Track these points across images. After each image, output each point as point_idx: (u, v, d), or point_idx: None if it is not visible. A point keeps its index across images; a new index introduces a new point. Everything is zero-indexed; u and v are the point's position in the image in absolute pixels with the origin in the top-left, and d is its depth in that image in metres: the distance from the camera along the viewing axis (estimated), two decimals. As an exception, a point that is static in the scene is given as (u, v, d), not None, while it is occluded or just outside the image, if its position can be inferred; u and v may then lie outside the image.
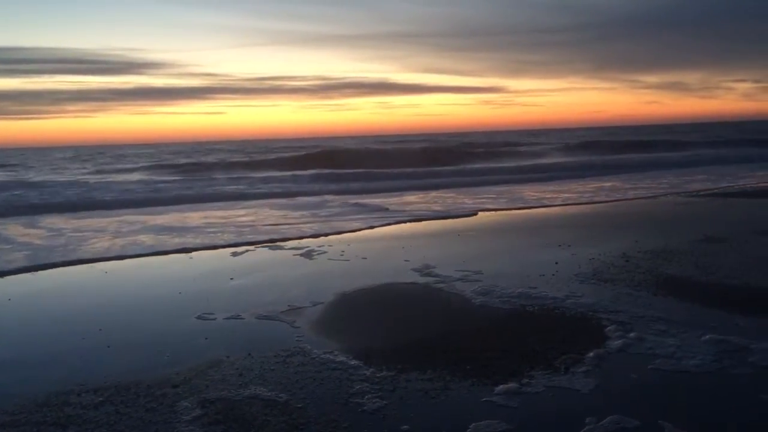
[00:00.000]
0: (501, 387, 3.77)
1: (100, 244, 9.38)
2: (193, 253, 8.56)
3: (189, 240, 9.56)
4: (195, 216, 12.91)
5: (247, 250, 8.65)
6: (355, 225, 10.66)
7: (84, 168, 36.51)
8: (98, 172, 32.30)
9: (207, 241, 9.45)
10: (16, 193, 18.23)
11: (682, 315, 5.01)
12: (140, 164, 36.22)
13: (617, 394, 3.64)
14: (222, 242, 9.31)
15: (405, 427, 3.33)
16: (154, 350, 4.67)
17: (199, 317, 5.46)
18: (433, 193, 16.63)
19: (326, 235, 9.76)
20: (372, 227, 10.42)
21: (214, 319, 5.42)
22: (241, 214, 13.09)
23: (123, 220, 12.50)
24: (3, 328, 5.64)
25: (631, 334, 4.56)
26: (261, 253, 8.50)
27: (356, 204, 14.03)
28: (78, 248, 9.06)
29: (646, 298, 5.53)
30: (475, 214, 11.86)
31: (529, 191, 16.42)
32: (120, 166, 36.42)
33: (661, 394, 3.61)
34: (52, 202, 15.96)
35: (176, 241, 9.51)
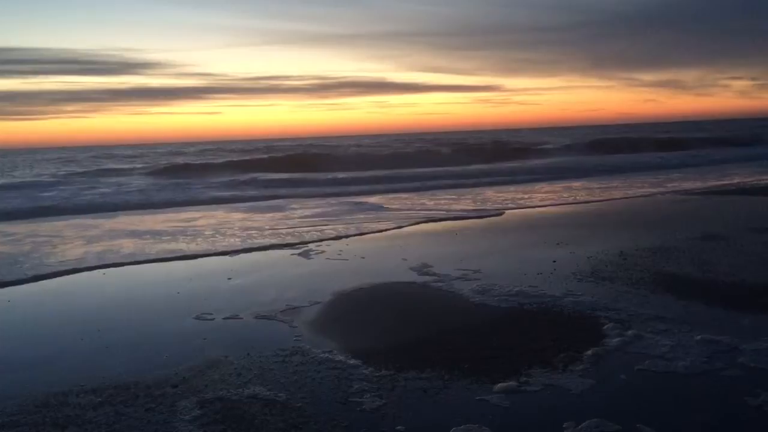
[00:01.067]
0: (499, 386, 3.77)
1: (70, 252, 9.34)
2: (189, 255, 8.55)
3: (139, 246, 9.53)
4: (151, 221, 12.38)
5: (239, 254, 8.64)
6: (340, 226, 10.67)
7: (48, 170, 32.73)
8: (58, 174, 28.43)
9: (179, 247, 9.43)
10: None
11: (679, 313, 5.03)
12: (119, 166, 33.18)
13: (606, 396, 3.63)
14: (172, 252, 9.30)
15: (404, 426, 3.34)
16: (153, 350, 4.68)
17: (197, 317, 5.46)
18: (391, 195, 16.26)
19: (319, 240, 9.75)
20: (364, 232, 10.42)
21: (213, 319, 5.42)
22: (200, 215, 12.72)
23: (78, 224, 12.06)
24: (1, 329, 5.64)
25: (629, 332, 4.57)
26: (258, 253, 8.49)
27: (345, 203, 14.02)
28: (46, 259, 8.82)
29: (644, 296, 5.54)
30: (501, 213, 11.87)
31: (494, 193, 15.99)
32: (96, 167, 33.06)
33: (648, 396, 3.60)
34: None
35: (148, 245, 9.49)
